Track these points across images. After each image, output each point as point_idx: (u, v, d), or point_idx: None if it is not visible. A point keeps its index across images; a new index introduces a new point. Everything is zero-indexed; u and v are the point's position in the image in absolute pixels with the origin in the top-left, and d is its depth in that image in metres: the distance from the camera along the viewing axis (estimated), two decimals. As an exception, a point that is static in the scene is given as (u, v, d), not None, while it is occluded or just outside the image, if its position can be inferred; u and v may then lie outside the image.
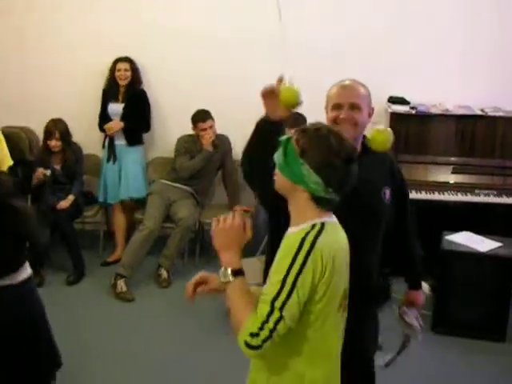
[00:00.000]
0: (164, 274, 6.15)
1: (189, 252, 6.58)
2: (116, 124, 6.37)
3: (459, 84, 6.25)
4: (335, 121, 2.98)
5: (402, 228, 3.33)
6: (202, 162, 6.28)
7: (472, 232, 5.40)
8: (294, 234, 2.29)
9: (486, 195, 5.80)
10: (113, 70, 6.43)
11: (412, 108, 6.11)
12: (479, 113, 6.04)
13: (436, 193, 5.78)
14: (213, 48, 6.64)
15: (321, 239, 2.22)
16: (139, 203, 6.54)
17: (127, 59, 6.47)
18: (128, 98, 6.48)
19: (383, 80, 6.27)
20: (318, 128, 2.35)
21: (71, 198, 6.22)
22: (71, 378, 4.58)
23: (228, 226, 2.33)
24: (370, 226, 2.94)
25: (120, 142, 6.47)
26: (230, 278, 2.30)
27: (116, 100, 6.45)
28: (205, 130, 6.29)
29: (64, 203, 6.15)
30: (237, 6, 6.55)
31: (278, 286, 2.17)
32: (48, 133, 6.23)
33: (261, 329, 2.17)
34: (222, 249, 2.35)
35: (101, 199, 6.65)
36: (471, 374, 4.67)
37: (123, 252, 6.25)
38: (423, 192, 5.78)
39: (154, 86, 6.78)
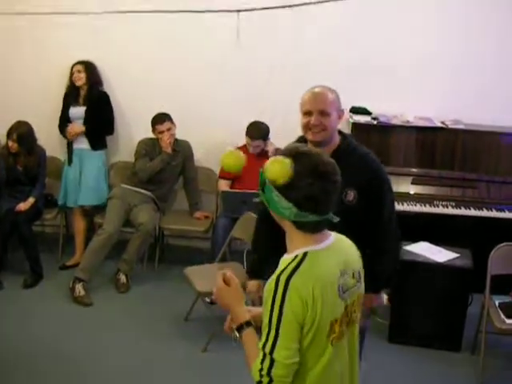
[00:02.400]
0: (123, 278, 6.12)
1: (148, 257, 6.56)
2: (76, 128, 6.33)
3: (421, 96, 6.29)
4: (307, 126, 3.39)
5: (374, 228, 3.47)
6: (160, 164, 6.27)
7: (430, 243, 5.46)
8: (281, 262, 2.31)
9: (444, 206, 5.86)
10: (71, 73, 6.41)
11: (373, 119, 6.15)
12: (440, 125, 6.10)
13: (395, 203, 5.82)
14: (176, 51, 6.64)
15: (296, 275, 2.19)
16: (99, 207, 6.50)
17: (82, 62, 6.44)
18: (89, 100, 6.43)
19: (345, 90, 6.27)
20: (282, 151, 2.36)
21: (31, 200, 6.19)
22: (27, 381, 4.57)
23: (226, 288, 2.43)
24: (335, 225, 2.98)
25: (82, 145, 6.43)
26: (237, 334, 2.36)
27: (77, 103, 6.41)
28: (162, 132, 6.29)
29: (23, 205, 6.11)
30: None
31: (266, 331, 2.20)
32: (8, 133, 6.19)
33: (261, 376, 2.21)
34: (229, 308, 2.43)
35: (60, 202, 6.59)
36: (430, 381, 4.72)
37: (82, 256, 6.22)
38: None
39: (117, 90, 6.75)
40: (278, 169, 2.26)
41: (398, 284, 5.15)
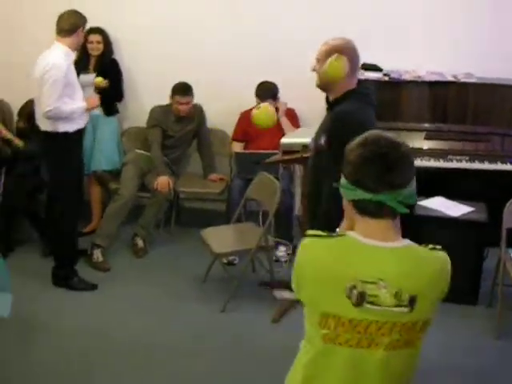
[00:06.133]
0: (140, 243, 6.17)
1: (164, 221, 6.60)
2: (95, 101, 6.26)
3: (432, 51, 6.25)
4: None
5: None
6: (160, 166, 6.29)
7: (445, 197, 5.47)
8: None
9: (458, 161, 5.84)
10: (84, 41, 6.37)
11: (385, 75, 6.12)
12: (451, 79, 6.06)
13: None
14: (189, 14, 6.62)
15: (316, 241, 2.20)
16: (114, 173, 6.53)
17: (99, 30, 6.40)
18: (99, 68, 6.42)
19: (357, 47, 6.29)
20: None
21: None
22: (49, 344, 4.63)
23: None
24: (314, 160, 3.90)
25: (96, 111, 6.39)
26: None
27: (87, 70, 6.39)
28: (181, 104, 6.29)
29: None
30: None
31: None
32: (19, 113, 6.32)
33: None
34: None
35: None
36: (445, 338, 4.75)
37: (99, 222, 6.26)
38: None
39: (127, 55, 6.73)
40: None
41: (414, 239, 5.17)
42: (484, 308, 5.22)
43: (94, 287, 5.49)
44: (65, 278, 5.49)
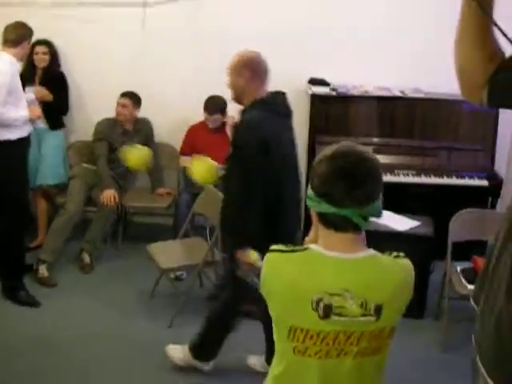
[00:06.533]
0: (86, 258, 6.08)
1: (111, 235, 6.53)
2: (37, 112, 6.19)
3: (380, 66, 6.29)
4: None
5: None
6: (106, 180, 6.22)
7: (391, 212, 5.49)
8: None
9: (405, 175, 5.89)
10: (30, 53, 6.29)
11: (332, 90, 6.15)
12: (399, 94, 6.12)
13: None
14: (134, 31, 6.57)
15: (280, 256, 2.21)
16: (60, 188, 6.44)
17: (45, 42, 6.33)
18: (46, 80, 6.33)
19: (304, 62, 6.31)
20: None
21: None
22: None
23: None
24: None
25: (41, 125, 6.31)
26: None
27: (33, 83, 6.29)
28: (120, 106, 6.30)
29: None
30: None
31: None
32: None
33: None
34: None
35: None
36: (393, 349, 4.74)
37: (45, 237, 6.17)
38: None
39: (74, 69, 6.66)
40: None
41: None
42: (431, 321, 5.26)
43: (37, 304, 5.40)
44: (12, 289, 5.40)
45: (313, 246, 2.20)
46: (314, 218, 2.24)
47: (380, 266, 2.23)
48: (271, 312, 2.23)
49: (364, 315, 2.13)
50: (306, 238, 2.39)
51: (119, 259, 6.28)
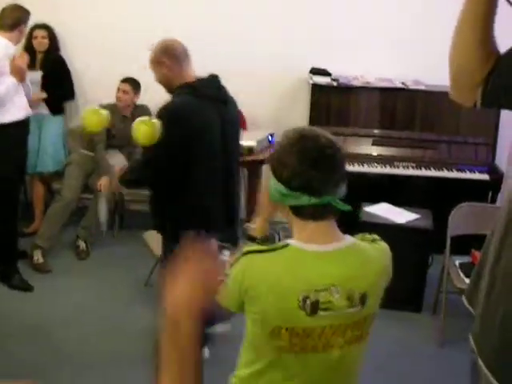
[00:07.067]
0: (82, 245, 6.05)
1: (108, 224, 6.49)
2: (38, 96, 6.18)
3: (381, 57, 6.26)
4: None
5: None
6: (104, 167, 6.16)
7: (391, 204, 5.46)
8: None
9: (405, 167, 5.85)
10: (29, 37, 6.25)
11: (333, 80, 6.10)
12: (400, 86, 6.08)
13: (356, 164, 5.81)
14: (136, 14, 6.53)
15: (257, 257, 2.11)
16: (57, 173, 6.40)
17: (44, 26, 6.28)
18: (46, 65, 6.30)
19: (305, 52, 6.27)
20: (285, 133, 2.18)
21: None
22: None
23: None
24: None
25: (42, 110, 6.29)
26: None
27: (33, 67, 6.25)
28: (120, 91, 6.25)
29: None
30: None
31: None
32: None
33: None
34: None
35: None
36: (388, 345, 4.73)
37: (41, 223, 6.14)
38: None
39: (73, 53, 6.61)
40: None
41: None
42: (428, 315, 5.22)
43: (30, 288, 5.37)
44: (6, 274, 5.38)
45: (292, 242, 2.13)
46: (283, 211, 2.17)
47: (361, 254, 2.18)
48: (250, 314, 2.16)
49: (350, 307, 2.11)
50: (250, 225, 2.35)
51: (115, 246, 6.25)
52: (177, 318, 1.55)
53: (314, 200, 2.04)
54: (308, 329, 2.08)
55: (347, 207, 2.09)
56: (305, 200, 2.05)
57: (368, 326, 2.22)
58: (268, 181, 2.15)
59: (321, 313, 2.06)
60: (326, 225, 2.13)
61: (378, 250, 2.22)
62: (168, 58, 3.92)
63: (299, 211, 2.10)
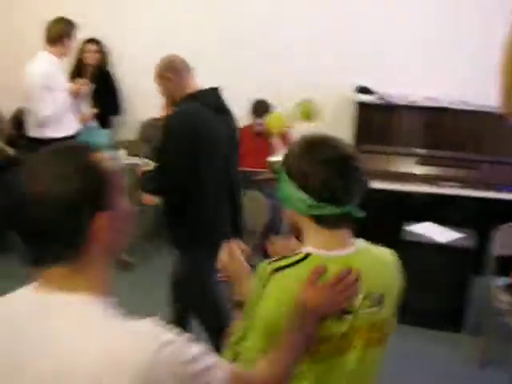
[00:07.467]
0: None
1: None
2: (88, 116, 6.22)
3: (427, 76, 6.27)
4: None
5: None
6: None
7: (435, 223, 5.44)
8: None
9: (449, 187, 5.83)
10: (81, 50, 6.35)
11: (379, 98, 6.12)
12: (446, 105, 6.06)
13: (399, 184, 5.80)
14: (179, 28, 6.63)
15: (283, 273, 2.04)
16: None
17: (96, 41, 6.40)
18: (95, 79, 6.39)
19: (350, 70, 6.29)
20: (299, 140, 2.14)
21: None
22: None
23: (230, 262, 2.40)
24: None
25: (91, 124, 6.37)
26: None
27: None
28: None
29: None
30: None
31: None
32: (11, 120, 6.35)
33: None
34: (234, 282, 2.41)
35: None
36: (429, 365, 4.71)
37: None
38: (385, 182, 5.80)
39: (119, 67, 6.74)
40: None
41: (401, 264, 5.14)
42: (469, 336, 5.18)
43: None
44: None
45: (311, 251, 2.08)
46: (301, 220, 2.12)
47: (375, 255, 2.17)
48: (278, 328, 2.03)
49: (369, 307, 2.09)
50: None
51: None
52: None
53: (337, 210, 2.03)
54: (333, 334, 2.05)
55: (361, 213, 2.06)
56: (329, 210, 2.03)
57: (386, 329, 2.19)
58: (284, 190, 2.11)
59: (345, 317, 2.05)
60: (342, 233, 2.11)
61: (387, 253, 2.23)
62: (172, 72, 4.11)
63: (319, 219, 2.07)
